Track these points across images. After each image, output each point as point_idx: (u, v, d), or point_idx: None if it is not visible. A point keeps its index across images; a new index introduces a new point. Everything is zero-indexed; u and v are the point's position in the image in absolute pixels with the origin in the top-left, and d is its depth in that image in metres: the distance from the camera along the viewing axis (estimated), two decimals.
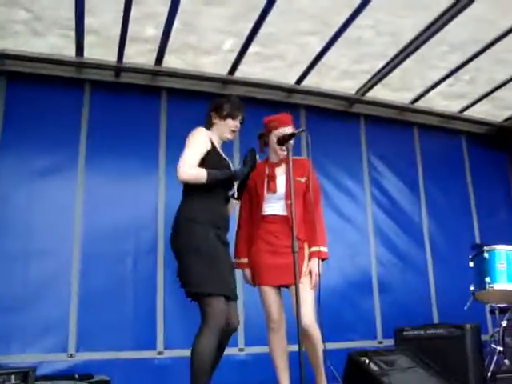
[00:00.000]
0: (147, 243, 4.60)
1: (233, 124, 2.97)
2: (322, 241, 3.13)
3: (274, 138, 3.16)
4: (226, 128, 2.96)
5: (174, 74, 4.79)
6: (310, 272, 3.08)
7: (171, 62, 4.68)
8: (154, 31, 4.19)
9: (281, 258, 3.01)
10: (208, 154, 2.83)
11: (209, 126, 3.00)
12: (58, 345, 4.10)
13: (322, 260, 3.15)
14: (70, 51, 4.38)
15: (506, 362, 3.55)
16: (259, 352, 4.27)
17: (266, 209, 3.17)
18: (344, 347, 4.44)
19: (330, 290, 4.23)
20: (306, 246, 3.13)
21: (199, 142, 2.82)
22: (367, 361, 2.81)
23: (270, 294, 3.07)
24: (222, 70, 4.88)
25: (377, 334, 5.23)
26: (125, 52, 4.39)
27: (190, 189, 2.86)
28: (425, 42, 4.53)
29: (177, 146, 4.68)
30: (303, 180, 3.17)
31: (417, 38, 4.53)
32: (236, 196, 3.02)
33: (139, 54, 4.51)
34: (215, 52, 4.60)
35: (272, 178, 3.16)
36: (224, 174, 2.79)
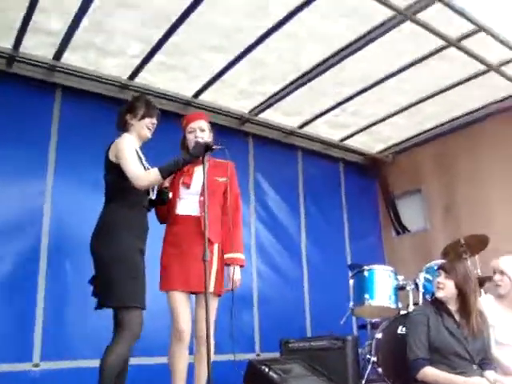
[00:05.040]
0: (29, 246, 4.30)
1: (150, 122, 2.95)
2: (239, 247, 3.16)
3: (189, 136, 3.18)
4: (144, 127, 2.92)
5: (71, 72, 4.59)
6: (233, 280, 3.05)
7: (71, 59, 4.48)
8: (60, 25, 3.98)
9: (189, 263, 2.98)
10: None
11: (125, 128, 2.94)
12: None
13: (240, 267, 3.17)
14: None
15: (380, 370, 3.90)
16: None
17: (179, 206, 3.13)
18: (226, 359, 4.54)
19: None
20: (216, 247, 3.11)
21: (131, 149, 2.77)
22: (267, 369, 2.92)
23: (179, 299, 2.98)
24: (123, 75, 4.79)
25: (255, 347, 5.40)
26: (23, 42, 4.12)
27: (112, 196, 2.79)
28: (321, 73, 4.88)
29: (68, 146, 4.61)
30: (222, 180, 3.16)
31: (313, 68, 4.86)
32: (155, 199, 2.95)
33: (38, 46, 4.25)
34: (120, 55, 4.49)
35: (188, 173, 3.14)
36: (174, 164, 2.74)
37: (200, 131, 3.17)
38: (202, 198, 2.93)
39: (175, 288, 3.01)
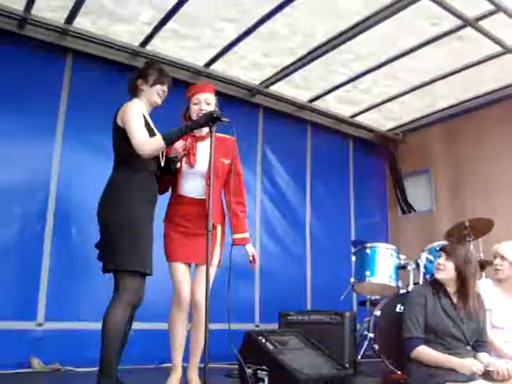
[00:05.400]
0: (36, 208, 4.37)
1: (161, 89, 2.93)
2: (247, 227, 3.23)
3: (193, 107, 3.12)
4: (155, 94, 2.91)
5: (83, 37, 4.57)
6: (254, 258, 3.18)
7: (82, 23, 4.46)
8: None
9: (193, 238, 3.04)
10: None
11: (136, 94, 2.94)
12: None
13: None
14: None
15: (376, 347, 3.96)
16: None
17: (183, 186, 3.12)
18: (224, 328, 4.62)
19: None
20: (219, 229, 3.16)
21: (137, 115, 2.75)
22: (264, 340, 2.98)
23: (181, 270, 3.05)
24: (135, 41, 4.76)
25: (254, 318, 5.49)
26: (35, 3, 4.10)
27: (120, 160, 2.80)
28: (333, 47, 4.83)
29: (77, 111, 4.62)
30: (227, 162, 3.16)
31: (326, 43, 4.81)
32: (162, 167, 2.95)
33: (50, 9, 4.24)
34: (131, 21, 4.47)
35: (192, 151, 3.09)
36: (177, 131, 2.71)
37: (206, 104, 3.11)
38: (207, 182, 2.89)
39: (177, 259, 3.07)
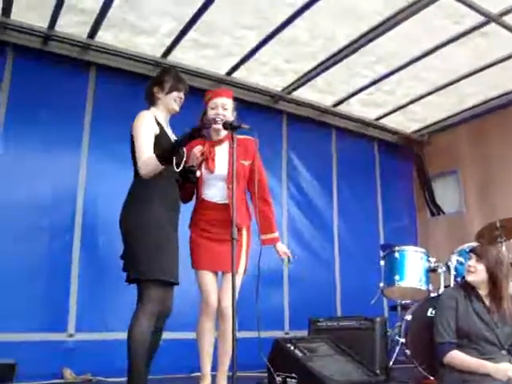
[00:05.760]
0: (64, 221, 4.44)
1: (178, 96, 2.91)
2: (275, 226, 3.23)
3: (210, 111, 3.09)
4: (171, 101, 2.89)
5: (105, 51, 4.64)
6: (286, 254, 3.19)
7: (104, 37, 4.53)
8: (93, 3, 4.02)
9: (218, 245, 3.03)
10: (156, 138, 2.77)
11: (153, 102, 2.93)
12: None
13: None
14: None
15: (408, 352, 3.88)
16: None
17: (206, 191, 3.11)
18: (253, 336, 4.60)
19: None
20: (244, 233, 3.15)
21: (146, 129, 2.71)
22: (292, 347, 2.95)
23: (208, 278, 3.05)
24: (156, 53, 4.81)
25: (284, 325, 5.45)
26: (58, 20, 4.18)
27: (138, 169, 2.80)
28: (355, 50, 4.79)
29: (102, 123, 4.69)
30: (247, 163, 3.14)
31: (348, 46, 4.77)
32: (182, 177, 2.93)
33: (72, 25, 4.31)
34: (152, 33, 4.52)
35: (211, 155, 3.07)
36: (169, 147, 2.65)
37: (222, 109, 3.08)
38: (229, 186, 2.91)
39: (204, 267, 3.07)
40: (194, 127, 2.61)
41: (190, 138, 2.60)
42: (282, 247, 3.23)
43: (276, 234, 3.22)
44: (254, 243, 3.23)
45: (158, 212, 2.69)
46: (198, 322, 3.11)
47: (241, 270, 3.09)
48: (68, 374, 3.92)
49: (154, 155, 2.62)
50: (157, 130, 2.78)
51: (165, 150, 2.64)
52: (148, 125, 2.75)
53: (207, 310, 3.05)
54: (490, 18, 4.27)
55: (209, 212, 3.10)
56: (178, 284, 2.75)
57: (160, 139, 2.75)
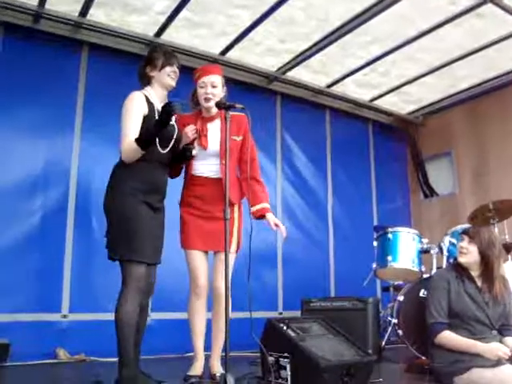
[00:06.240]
0: (57, 201, 4.43)
1: (171, 70, 2.88)
2: (266, 198, 3.15)
3: (199, 90, 3.07)
4: (166, 77, 2.85)
5: (98, 29, 4.57)
6: (277, 225, 3.06)
7: (96, 15, 4.46)
8: None
9: (208, 223, 3.02)
10: (144, 119, 2.72)
11: (146, 81, 2.90)
12: None
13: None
14: None
15: (400, 332, 3.92)
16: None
17: (197, 167, 3.09)
18: (247, 316, 4.63)
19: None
20: (236, 210, 3.12)
21: (134, 111, 2.71)
22: (285, 327, 2.96)
23: (197, 257, 3.04)
24: (149, 32, 4.75)
25: (278, 306, 5.49)
26: None
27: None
28: (350, 31, 4.74)
29: (94, 103, 4.64)
30: (239, 139, 3.12)
31: (343, 26, 4.72)
32: (179, 155, 2.93)
33: (64, 3, 4.24)
34: (145, 12, 4.45)
35: (203, 132, 3.05)
36: (150, 128, 2.62)
37: (211, 87, 3.05)
38: (223, 162, 2.90)
39: (194, 247, 3.05)
40: (162, 117, 2.57)
41: (162, 124, 2.59)
42: (272, 218, 3.10)
43: (265, 205, 3.12)
44: (246, 222, 3.20)
45: (129, 194, 2.68)
46: (189, 302, 3.11)
47: (233, 248, 3.06)
48: (62, 353, 3.94)
49: (133, 140, 2.61)
50: (146, 111, 2.76)
51: (147, 130, 2.64)
52: (136, 106, 2.74)
53: (197, 291, 3.05)
54: None
55: (199, 187, 3.08)
56: (159, 263, 2.77)
57: (148, 120, 2.72)
